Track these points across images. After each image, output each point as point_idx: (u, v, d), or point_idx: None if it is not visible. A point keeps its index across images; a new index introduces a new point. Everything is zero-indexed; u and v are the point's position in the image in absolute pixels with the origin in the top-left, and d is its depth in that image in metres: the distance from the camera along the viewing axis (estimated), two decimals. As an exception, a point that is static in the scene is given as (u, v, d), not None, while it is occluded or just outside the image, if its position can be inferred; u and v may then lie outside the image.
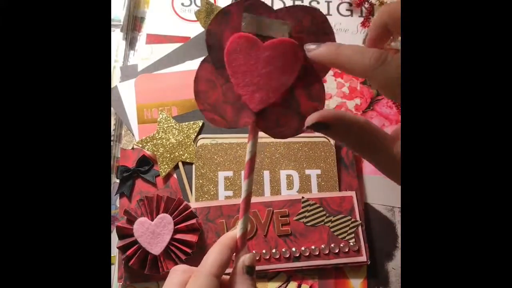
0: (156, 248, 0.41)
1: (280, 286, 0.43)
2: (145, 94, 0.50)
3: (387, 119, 0.51)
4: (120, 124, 0.49)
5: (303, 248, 0.43)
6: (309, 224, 0.44)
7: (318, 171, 0.46)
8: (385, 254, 0.45)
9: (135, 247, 0.41)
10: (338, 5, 0.56)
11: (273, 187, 0.46)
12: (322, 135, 0.40)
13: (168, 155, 0.46)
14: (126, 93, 0.50)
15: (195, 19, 0.53)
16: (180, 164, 0.46)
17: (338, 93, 0.51)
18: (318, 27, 0.25)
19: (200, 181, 0.46)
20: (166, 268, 0.40)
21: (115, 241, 0.43)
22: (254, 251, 0.43)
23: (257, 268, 0.43)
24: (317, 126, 0.24)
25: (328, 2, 0.56)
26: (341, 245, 0.43)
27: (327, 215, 0.44)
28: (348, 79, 0.52)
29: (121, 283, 0.42)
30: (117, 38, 0.53)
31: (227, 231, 0.42)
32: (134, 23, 0.54)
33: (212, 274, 0.27)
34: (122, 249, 0.41)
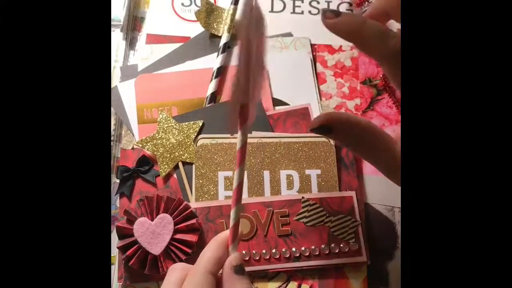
0: (156, 248, 0.41)
1: (280, 286, 0.43)
2: (145, 94, 0.50)
3: (387, 119, 0.51)
4: (120, 124, 0.49)
5: (303, 248, 0.43)
6: (309, 224, 0.44)
7: (318, 171, 0.46)
8: (385, 254, 0.45)
9: (135, 247, 0.41)
10: (338, 5, 0.56)
11: (273, 187, 0.46)
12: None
13: (168, 155, 0.46)
14: (126, 93, 0.50)
15: (195, 19, 0.53)
16: (180, 164, 0.46)
17: (338, 93, 0.51)
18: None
19: (200, 181, 0.46)
20: (166, 268, 0.40)
21: (115, 241, 0.43)
22: (254, 251, 0.43)
23: (257, 268, 0.43)
24: (321, 129, 0.24)
25: (328, 2, 0.56)
26: (341, 245, 0.43)
27: (327, 215, 0.44)
28: (348, 79, 0.52)
29: (121, 283, 0.42)
30: (117, 38, 0.53)
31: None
32: (134, 23, 0.54)
33: (207, 271, 0.27)
34: (122, 249, 0.41)
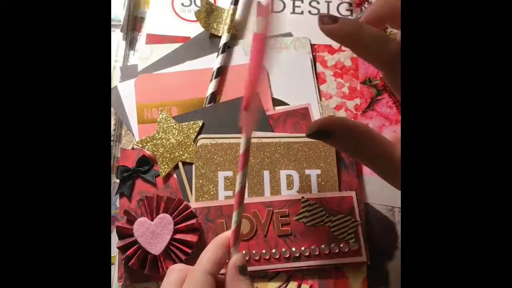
0: (156, 248, 0.41)
1: (280, 286, 0.43)
2: (145, 94, 0.50)
3: (387, 119, 0.51)
4: (120, 124, 0.49)
5: (303, 248, 0.43)
6: (309, 224, 0.44)
7: (318, 171, 0.46)
8: (385, 254, 0.45)
9: (135, 247, 0.41)
10: (338, 5, 0.56)
11: (273, 187, 0.46)
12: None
13: (168, 155, 0.46)
14: (126, 93, 0.50)
15: (195, 19, 0.53)
16: (180, 164, 0.46)
17: (338, 93, 0.51)
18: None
19: (200, 181, 0.46)
20: (166, 268, 0.40)
21: (115, 241, 0.43)
22: (254, 251, 0.43)
23: (257, 268, 0.43)
24: (318, 135, 0.23)
25: (328, 2, 0.56)
26: (341, 245, 0.43)
27: (327, 215, 0.44)
28: (348, 79, 0.52)
29: (121, 283, 0.42)
30: (117, 38, 0.53)
31: (227, 231, 0.42)
32: (134, 23, 0.54)
33: (207, 271, 0.27)
34: (122, 249, 0.41)
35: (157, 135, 0.47)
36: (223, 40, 0.51)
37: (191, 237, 0.42)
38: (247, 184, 0.45)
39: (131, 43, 0.53)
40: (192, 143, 0.47)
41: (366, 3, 0.56)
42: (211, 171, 0.46)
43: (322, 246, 0.43)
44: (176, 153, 0.47)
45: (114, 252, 0.44)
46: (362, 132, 0.24)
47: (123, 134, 0.49)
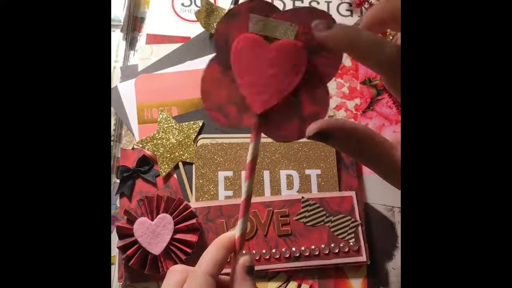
0: (156, 248, 0.41)
1: (280, 286, 0.43)
2: (145, 94, 0.50)
3: (387, 119, 0.51)
4: (120, 124, 0.49)
5: (303, 248, 0.43)
6: (309, 224, 0.44)
7: (318, 171, 0.46)
8: (385, 254, 0.45)
9: (135, 247, 0.41)
10: (338, 5, 0.56)
11: (273, 187, 0.46)
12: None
13: (168, 155, 0.46)
14: (126, 93, 0.50)
15: (195, 19, 0.53)
16: (180, 164, 0.46)
17: (338, 93, 0.51)
18: None
19: (200, 181, 0.46)
20: (166, 268, 0.40)
21: (115, 241, 0.43)
22: (254, 251, 0.43)
23: (257, 268, 0.43)
24: (318, 136, 0.23)
25: (328, 2, 0.56)
26: (341, 245, 0.43)
27: (327, 215, 0.44)
28: (348, 79, 0.52)
29: (121, 283, 0.42)
30: (117, 38, 0.53)
31: (227, 231, 0.42)
32: (134, 23, 0.54)
33: (208, 273, 0.27)
34: (122, 249, 0.41)
35: (157, 135, 0.47)
36: (223, 40, 0.51)
37: (191, 237, 0.42)
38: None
39: (131, 43, 0.53)
40: (192, 143, 0.47)
41: (366, 3, 0.56)
42: (211, 171, 0.46)
43: (322, 246, 0.43)
44: (176, 153, 0.47)
45: (114, 252, 0.44)
46: (361, 134, 0.24)
47: (123, 134, 0.49)
